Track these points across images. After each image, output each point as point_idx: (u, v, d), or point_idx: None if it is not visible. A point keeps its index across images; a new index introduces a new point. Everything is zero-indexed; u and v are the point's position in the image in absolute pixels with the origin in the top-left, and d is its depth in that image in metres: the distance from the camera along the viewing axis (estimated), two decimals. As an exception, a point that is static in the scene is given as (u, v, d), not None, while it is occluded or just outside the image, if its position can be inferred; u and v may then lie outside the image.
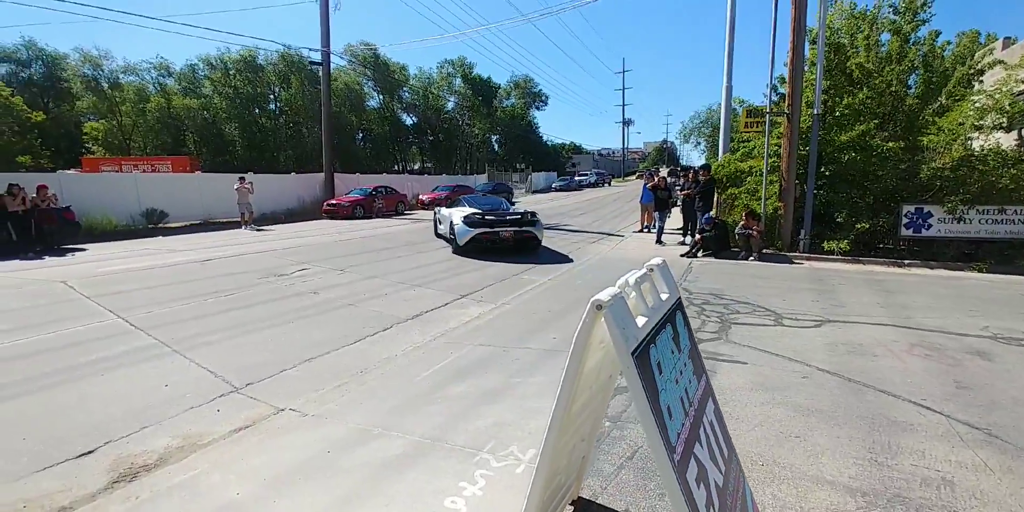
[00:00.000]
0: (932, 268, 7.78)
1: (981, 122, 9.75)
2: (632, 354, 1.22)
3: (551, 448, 1.49)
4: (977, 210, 7.90)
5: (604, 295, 1.25)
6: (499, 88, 49.09)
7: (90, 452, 2.72)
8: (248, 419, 3.07)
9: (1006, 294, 6.09)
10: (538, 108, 53.30)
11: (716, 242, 8.93)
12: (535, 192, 40.43)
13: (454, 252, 9.49)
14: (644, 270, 1.62)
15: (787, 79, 9.25)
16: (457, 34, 49.23)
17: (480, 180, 34.71)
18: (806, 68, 9.57)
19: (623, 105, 64.30)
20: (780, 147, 9.40)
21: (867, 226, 8.46)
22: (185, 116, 31.65)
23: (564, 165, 60.30)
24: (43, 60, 33.28)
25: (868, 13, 9.94)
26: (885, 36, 9.84)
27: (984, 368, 3.73)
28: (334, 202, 18.26)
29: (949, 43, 10.45)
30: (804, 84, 9.58)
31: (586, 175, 48.71)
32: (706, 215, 9.61)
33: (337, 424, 2.99)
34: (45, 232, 10.20)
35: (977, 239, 7.95)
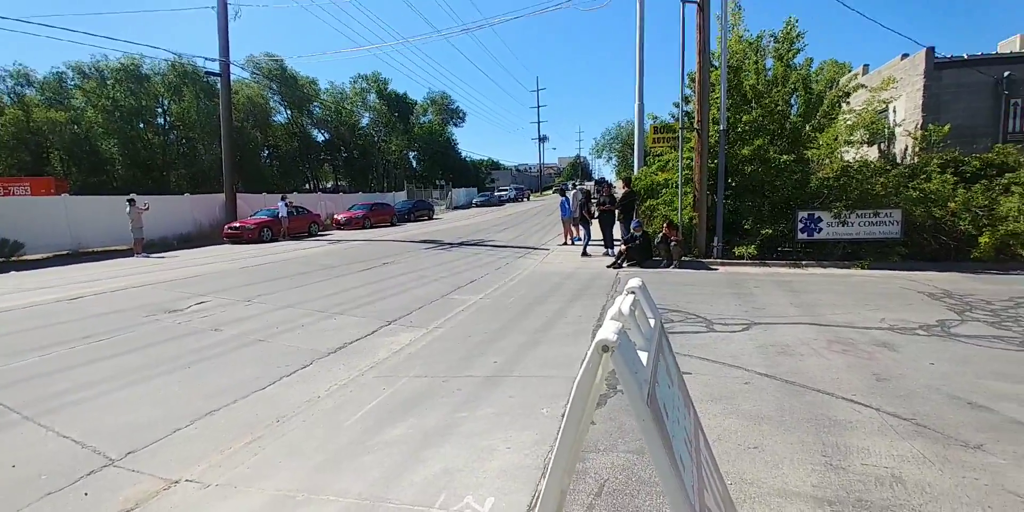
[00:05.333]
0: (824, 267, 8.61)
1: (851, 138, 11.20)
2: (646, 403, 1.00)
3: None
4: (856, 214, 8.90)
5: (609, 334, 1.02)
6: (416, 104, 48.59)
7: None
8: (129, 501, 2.44)
9: (889, 288, 6.83)
10: (456, 124, 53.49)
11: (640, 252, 9.23)
12: (456, 208, 40.16)
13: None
14: (630, 295, 1.42)
15: (695, 98, 9.93)
16: (370, 47, 48.13)
17: (399, 197, 33.76)
18: (710, 88, 10.35)
19: (538, 122, 66.47)
20: (692, 160, 10.02)
21: (770, 231, 9.20)
22: (49, 131, 27.46)
23: (484, 180, 60.75)
24: None
25: (754, 41, 11.04)
26: (770, 61, 10.96)
27: (893, 359, 4.03)
28: (237, 225, 16.66)
29: (822, 69, 11.87)
30: (709, 102, 10.38)
31: (506, 190, 49.36)
32: (635, 220, 9.96)
33: (250, 494, 2.46)
34: None
35: (858, 239, 8.94)
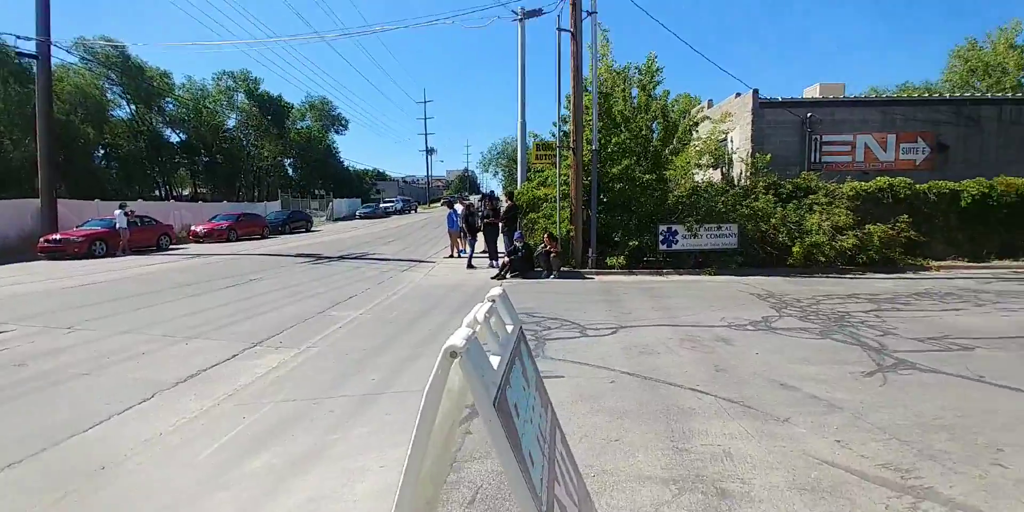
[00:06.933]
0: (681, 274, 9.77)
1: (700, 162, 12.91)
2: (493, 405, 1.06)
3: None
4: (705, 227, 10.26)
5: (457, 339, 1.06)
6: (293, 108, 45.24)
7: None
8: None
9: (729, 291, 7.97)
10: (338, 132, 50.87)
11: (522, 263, 9.61)
12: (339, 220, 38.07)
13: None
14: (488, 303, 1.48)
15: (571, 119, 10.71)
16: (239, 42, 43.90)
17: (273, 207, 31.05)
18: (584, 111, 11.24)
19: (425, 134, 65.73)
20: (568, 177, 10.75)
21: (636, 243, 10.20)
22: None
23: (368, 191, 58.45)
24: None
25: (621, 71, 12.28)
26: (635, 91, 12.25)
27: (729, 351, 4.70)
28: (58, 237, 13.94)
29: (677, 100, 13.54)
30: (584, 123, 11.26)
31: (393, 202, 48.02)
32: (517, 232, 10.33)
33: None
34: None
35: (706, 250, 10.31)
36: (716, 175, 16.71)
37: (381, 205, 44.41)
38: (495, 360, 1.26)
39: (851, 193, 11.18)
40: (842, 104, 15.54)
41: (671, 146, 12.01)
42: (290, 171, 46.72)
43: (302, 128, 46.47)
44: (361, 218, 38.27)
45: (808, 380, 3.92)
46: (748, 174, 12.98)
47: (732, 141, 17.38)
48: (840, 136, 15.15)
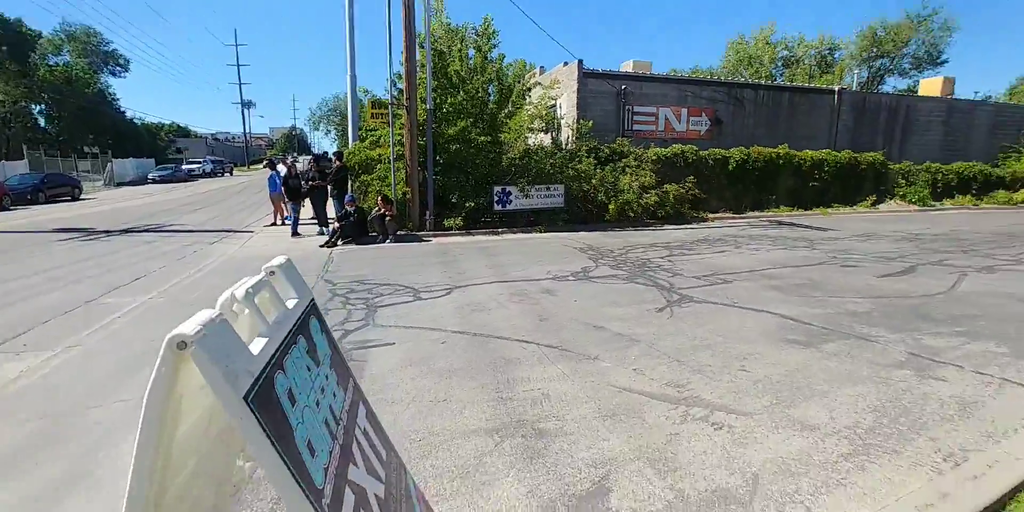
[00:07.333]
0: (515, 233, 10.29)
1: (532, 125, 13.40)
2: (246, 398, 0.89)
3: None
4: (536, 188, 10.85)
5: (188, 327, 0.85)
6: (41, 37, 34.06)
7: None
8: None
9: (555, 246, 8.65)
10: (115, 74, 40.32)
11: (355, 229, 9.02)
12: (122, 184, 30.95)
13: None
14: (262, 274, 1.26)
15: (403, 76, 10.03)
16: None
17: (18, 169, 23.70)
18: (419, 68, 10.64)
19: (240, 83, 55.61)
20: (403, 137, 10.22)
21: (473, 204, 10.34)
22: None
23: (166, 150, 48.37)
24: None
25: (459, 30, 11.82)
26: (472, 52, 11.96)
27: (552, 302, 5.12)
28: None
29: (511, 65, 13.63)
30: (418, 82, 10.69)
31: (200, 163, 40.58)
32: (348, 195, 9.56)
33: None
34: None
35: (537, 209, 10.97)
36: (547, 139, 17.70)
37: (184, 166, 37.18)
38: (259, 343, 1.08)
39: (654, 158, 12.88)
40: (649, 80, 17.48)
41: (507, 109, 12.22)
42: (41, 121, 35.92)
43: (57, 65, 35.65)
44: (156, 182, 31.61)
45: (615, 320, 4.48)
46: (574, 139, 14.00)
47: (561, 107, 18.45)
48: (647, 108, 17.12)
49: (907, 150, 19.71)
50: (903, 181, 16.95)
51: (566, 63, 18.09)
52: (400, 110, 10.43)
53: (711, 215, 12.99)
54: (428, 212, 10.01)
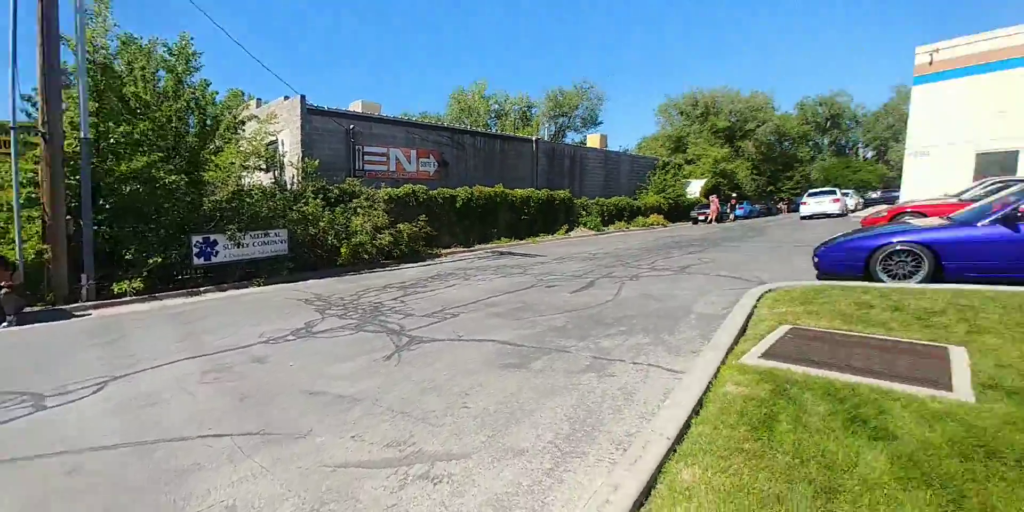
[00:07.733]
0: (224, 290, 8.62)
1: (247, 163, 11.69)
2: None
3: None
4: (250, 235, 9.41)
5: None
6: None
7: None
8: None
9: (277, 300, 7.57)
10: None
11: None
12: None
13: None
14: None
15: (40, 92, 7.32)
16: None
17: None
18: (72, 81, 7.97)
19: None
20: (39, 176, 7.42)
21: (160, 259, 8.25)
22: None
23: None
24: None
25: (144, 46, 9.38)
26: (162, 73, 9.66)
27: (262, 372, 4.27)
28: None
29: (217, 93, 11.57)
30: (68, 101, 7.99)
31: None
32: None
33: None
34: None
35: (254, 259, 9.52)
36: (268, 179, 15.93)
37: None
38: None
39: (386, 197, 12.95)
40: (379, 121, 17.79)
41: (213, 144, 10.35)
42: None
43: None
44: None
45: (338, 380, 3.98)
46: (299, 178, 12.93)
47: (283, 144, 16.96)
48: (377, 148, 17.32)
49: (584, 188, 25.53)
50: (583, 212, 21.65)
51: (287, 97, 16.88)
52: (35, 138, 7.64)
53: (444, 250, 13.76)
54: (86, 276, 7.45)
